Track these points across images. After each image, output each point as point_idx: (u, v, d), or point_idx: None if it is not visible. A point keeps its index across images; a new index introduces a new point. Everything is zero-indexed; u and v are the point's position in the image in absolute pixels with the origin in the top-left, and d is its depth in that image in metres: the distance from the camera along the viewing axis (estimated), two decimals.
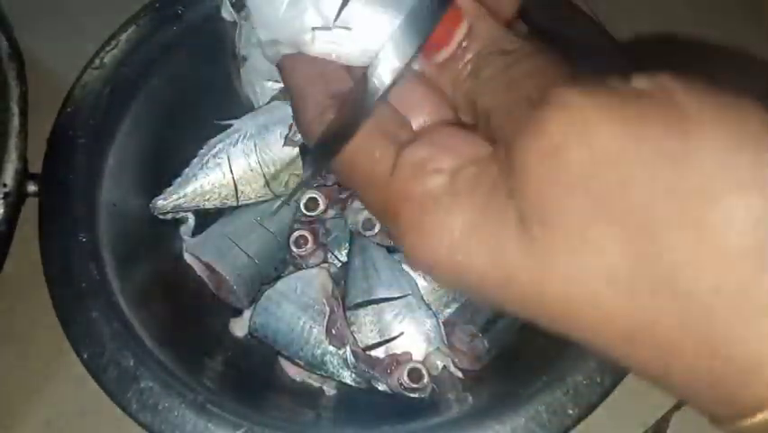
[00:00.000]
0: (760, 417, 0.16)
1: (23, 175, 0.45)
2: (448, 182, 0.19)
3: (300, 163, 0.49)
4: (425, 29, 0.21)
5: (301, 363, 0.46)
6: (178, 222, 0.50)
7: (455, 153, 0.20)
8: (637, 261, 0.16)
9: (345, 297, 0.48)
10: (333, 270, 0.50)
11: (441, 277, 0.20)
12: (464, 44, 0.22)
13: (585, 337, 0.18)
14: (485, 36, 0.22)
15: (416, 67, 0.23)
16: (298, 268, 0.50)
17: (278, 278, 0.49)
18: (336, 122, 0.22)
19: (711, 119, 0.16)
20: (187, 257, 0.50)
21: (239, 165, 0.49)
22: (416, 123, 0.22)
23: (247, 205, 0.50)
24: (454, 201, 0.19)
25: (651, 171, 0.16)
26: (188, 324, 0.48)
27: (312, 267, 0.49)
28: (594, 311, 0.17)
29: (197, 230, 0.50)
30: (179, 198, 0.49)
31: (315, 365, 0.46)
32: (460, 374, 0.46)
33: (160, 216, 0.49)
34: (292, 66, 0.24)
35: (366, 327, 0.47)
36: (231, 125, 0.50)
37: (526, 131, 0.18)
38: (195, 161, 0.49)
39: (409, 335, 0.46)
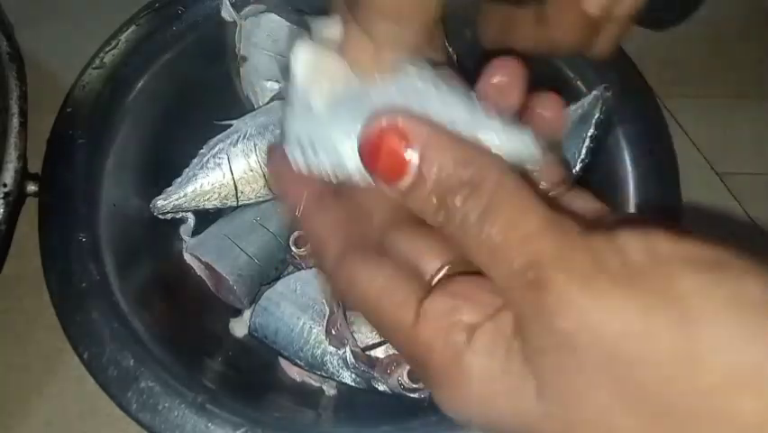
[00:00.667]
0: None
1: (23, 175, 0.45)
2: (467, 339, 0.20)
3: None
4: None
5: (301, 363, 0.46)
6: (178, 222, 0.50)
7: (474, 304, 0.20)
8: None
9: None
10: None
11: (476, 425, 0.21)
12: (421, 172, 0.20)
13: None
14: (440, 163, 0.20)
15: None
16: (298, 268, 0.50)
17: (278, 278, 0.49)
18: None
19: (716, 315, 0.16)
20: (187, 257, 0.50)
21: (239, 165, 0.49)
22: (429, 268, 0.22)
23: (247, 205, 0.50)
24: (475, 358, 0.20)
25: (665, 372, 0.16)
26: (188, 324, 0.48)
27: (312, 267, 0.49)
28: None
29: (197, 230, 0.50)
30: (179, 198, 0.49)
31: (314, 365, 0.46)
32: None
33: (160, 216, 0.49)
34: (308, 215, 0.24)
35: (366, 327, 0.47)
36: (231, 125, 0.50)
37: (533, 319, 0.18)
38: (195, 161, 0.49)
39: None
